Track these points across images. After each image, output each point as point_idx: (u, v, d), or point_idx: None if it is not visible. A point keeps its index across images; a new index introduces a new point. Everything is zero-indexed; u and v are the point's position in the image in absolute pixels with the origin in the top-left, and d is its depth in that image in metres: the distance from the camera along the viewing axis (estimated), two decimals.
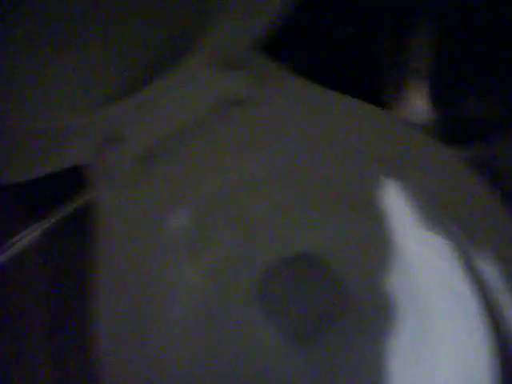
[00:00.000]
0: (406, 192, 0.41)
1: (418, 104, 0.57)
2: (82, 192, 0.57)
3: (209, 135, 0.42)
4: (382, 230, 0.42)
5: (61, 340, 0.54)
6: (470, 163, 0.41)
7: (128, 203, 0.41)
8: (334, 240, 0.44)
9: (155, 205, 0.41)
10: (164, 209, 0.41)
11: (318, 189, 0.44)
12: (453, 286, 0.39)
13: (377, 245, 0.43)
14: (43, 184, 0.45)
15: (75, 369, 0.53)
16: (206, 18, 0.42)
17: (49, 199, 0.57)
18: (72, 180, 0.47)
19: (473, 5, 0.52)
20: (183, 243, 0.42)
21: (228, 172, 0.42)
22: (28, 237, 0.57)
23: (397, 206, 0.42)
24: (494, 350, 0.36)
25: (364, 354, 0.41)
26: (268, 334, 0.42)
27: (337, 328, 0.42)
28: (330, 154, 0.42)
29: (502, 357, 0.36)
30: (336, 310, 0.43)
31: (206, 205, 0.42)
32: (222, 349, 0.41)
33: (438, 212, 0.40)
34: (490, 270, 0.37)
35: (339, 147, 0.42)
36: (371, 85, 0.58)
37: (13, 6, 0.38)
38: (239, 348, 0.42)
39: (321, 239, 0.44)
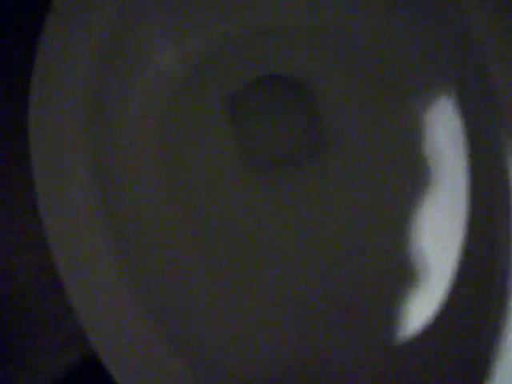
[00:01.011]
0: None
1: None
2: None
3: None
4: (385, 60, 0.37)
5: None
6: None
7: None
8: (324, 64, 0.39)
9: None
10: None
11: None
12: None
13: (375, 80, 0.38)
14: None
15: None
16: None
17: None
18: None
19: None
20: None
21: None
22: None
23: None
24: None
25: (337, 206, 0.39)
26: (234, 154, 0.39)
27: (307, 166, 0.40)
28: None
29: None
30: (312, 146, 0.40)
31: None
32: (185, 159, 0.39)
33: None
34: None
35: None
36: None
37: None
38: (202, 163, 0.39)
39: (316, 60, 0.39)
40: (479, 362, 0.31)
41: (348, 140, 0.39)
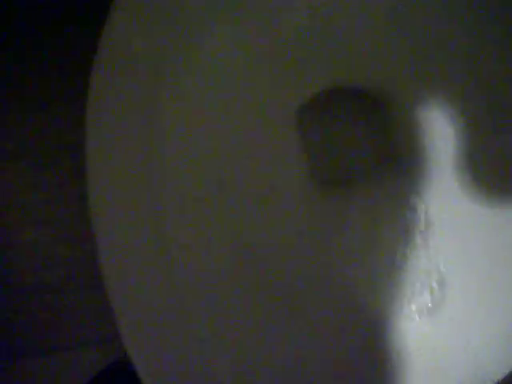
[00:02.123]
0: None
1: None
2: None
3: None
4: None
5: None
6: None
7: None
8: (399, 73, 0.37)
9: None
10: None
11: None
12: None
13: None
14: None
15: None
16: None
17: None
18: None
19: None
20: None
21: None
22: None
23: None
24: None
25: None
26: (300, 168, 0.38)
27: (379, 183, 0.38)
28: None
29: None
30: (385, 163, 0.38)
31: None
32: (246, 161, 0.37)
33: None
34: None
35: None
36: None
37: None
38: (265, 173, 0.37)
39: (386, 70, 0.37)
40: None
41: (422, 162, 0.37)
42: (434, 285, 0.37)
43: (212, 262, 0.33)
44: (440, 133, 0.36)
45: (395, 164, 0.38)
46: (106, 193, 0.30)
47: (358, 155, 0.40)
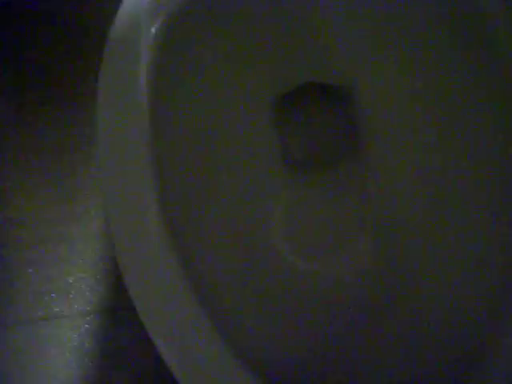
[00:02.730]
0: None
1: None
2: None
3: None
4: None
5: None
6: None
7: None
8: (371, 70, 0.40)
9: None
10: None
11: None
12: None
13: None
14: None
15: None
16: None
17: None
18: None
19: None
20: None
21: None
22: None
23: None
24: None
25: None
26: (275, 151, 0.42)
27: (343, 169, 0.42)
28: None
29: None
30: (349, 150, 0.42)
31: None
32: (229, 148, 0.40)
33: None
34: None
35: None
36: None
37: None
38: (243, 155, 0.41)
39: (357, 68, 0.40)
40: None
41: (384, 145, 0.41)
42: None
43: (210, 236, 0.38)
44: (399, 123, 0.40)
45: (360, 150, 0.42)
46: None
47: (327, 142, 0.43)
